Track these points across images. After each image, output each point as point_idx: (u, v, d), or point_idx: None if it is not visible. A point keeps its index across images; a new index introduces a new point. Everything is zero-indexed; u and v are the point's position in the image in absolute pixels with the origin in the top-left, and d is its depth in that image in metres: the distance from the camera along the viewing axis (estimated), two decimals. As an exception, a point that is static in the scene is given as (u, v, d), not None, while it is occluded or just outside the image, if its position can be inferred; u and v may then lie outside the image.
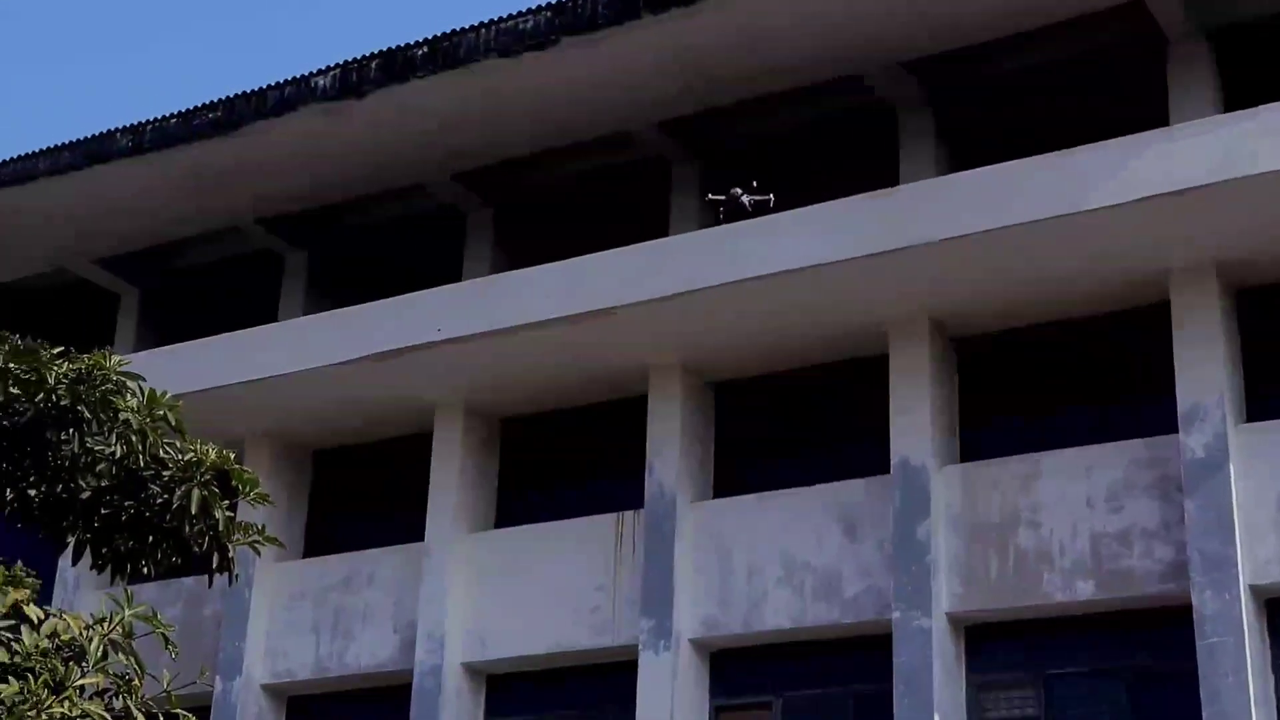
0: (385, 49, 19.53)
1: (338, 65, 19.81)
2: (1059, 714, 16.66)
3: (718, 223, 18.54)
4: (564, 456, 20.28)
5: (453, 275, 20.96)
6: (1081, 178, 15.92)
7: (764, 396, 19.24)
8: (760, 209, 18.29)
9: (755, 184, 18.71)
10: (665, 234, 19.65)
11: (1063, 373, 17.88)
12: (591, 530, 19.00)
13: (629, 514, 18.84)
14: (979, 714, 16.92)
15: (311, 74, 19.97)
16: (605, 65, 18.90)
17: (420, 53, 19.31)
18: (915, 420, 17.51)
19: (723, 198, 18.64)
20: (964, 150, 18.98)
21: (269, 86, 20.25)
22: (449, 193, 21.68)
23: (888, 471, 17.58)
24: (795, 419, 19.10)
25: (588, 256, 18.39)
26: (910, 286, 17.22)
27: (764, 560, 17.98)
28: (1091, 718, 16.55)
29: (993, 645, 17.05)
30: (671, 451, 18.69)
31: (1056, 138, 16.98)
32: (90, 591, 20.31)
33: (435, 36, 19.19)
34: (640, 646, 18.07)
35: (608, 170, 20.80)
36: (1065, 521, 16.69)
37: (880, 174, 18.69)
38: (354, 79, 19.72)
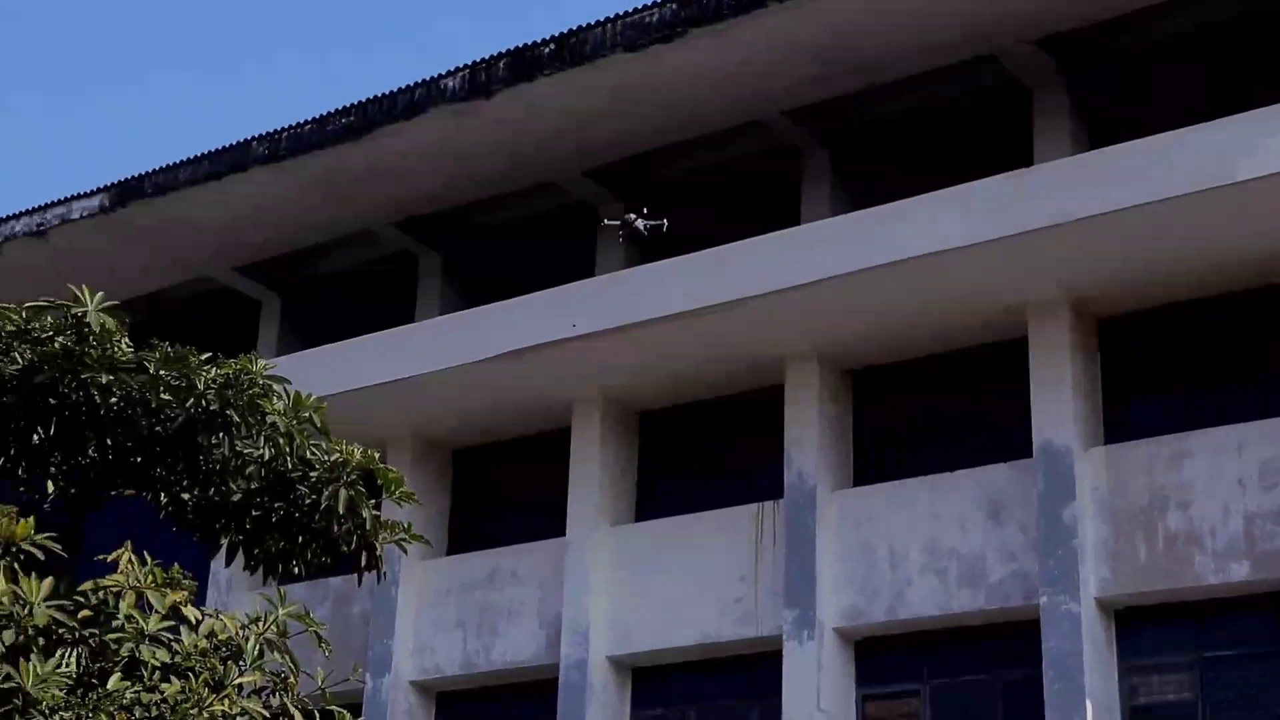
0: (512, 48, 19.64)
1: (466, 66, 19.97)
2: (1215, 697, 16.32)
3: (847, 210, 18.41)
4: (702, 448, 20.28)
5: (585, 271, 21.04)
6: (1224, 150, 15.55)
7: (902, 382, 19.07)
8: (655, 233, 18.76)
9: (645, 210, 19.03)
10: (797, 223, 19.54)
11: (1209, 349, 17.49)
12: (732, 521, 18.97)
13: (769, 504, 18.79)
14: (1132, 699, 16.63)
15: (440, 76, 20.15)
16: (733, 55, 18.83)
17: (547, 50, 19.39)
18: (1057, 402, 17.25)
19: (618, 222, 19.02)
20: (1100, 126, 18.63)
21: (399, 90, 20.47)
22: (580, 189, 21.75)
23: (1030, 455, 17.34)
24: (934, 404, 18.90)
25: (720, 248, 18.36)
26: (1048, 267, 16.96)
27: (907, 547, 17.82)
28: (1249, 700, 16.19)
29: (1144, 629, 16.75)
30: (810, 440, 18.60)
31: (1196, 110, 16.61)
32: (242, 592, 20.68)
33: (561, 34, 19.26)
34: (784, 637, 18.02)
35: (738, 160, 20.73)
36: (1216, 502, 16.33)
37: (1015, 154, 18.42)
38: (482, 79, 19.86)
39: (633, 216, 18.94)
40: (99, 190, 22.93)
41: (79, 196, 23.07)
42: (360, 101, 20.76)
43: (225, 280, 24.46)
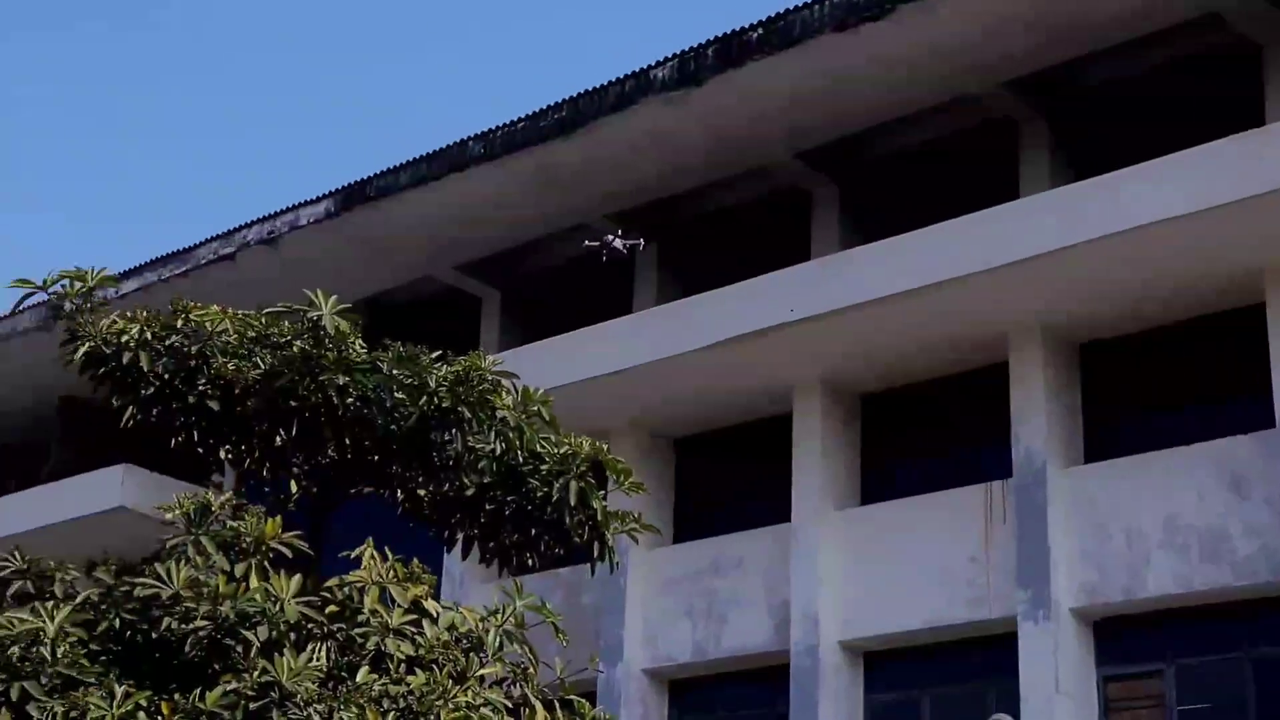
0: (720, 35, 19.61)
1: (674, 55, 20.00)
2: None
3: (1067, 181, 17.95)
4: (927, 428, 20.01)
5: (801, 255, 20.91)
6: None
7: (1132, 354, 18.57)
8: (634, 253, 19.21)
9: (620, 231, 19.38)
10: (1016, 196, 19.13)
11: None
12: (960, 502, 18.69)
13: (997, 483, 18.46)
14: (1394, 677, 15.93)
15: (649, 66, 20.21)
16: (944, 28, 18.50)
17: (755, 35, 19.31)
18: (1301, 369, 16.60)
19: (597, 243, 19.22)
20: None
21: (609, 83, 20.59)
22: (792, 172, 21.63)
23: (1273, 425, 16.72)
24: (1167, 375, 18.36)
25: (938, 225, 18.09)
26: (1284, 230, 16.32)
27: (1144, 524, 17.34)
28: None
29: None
30: (1038, 417, 18.22)
31: None
32: (476, 585, 21.06)
33: (769, 17, 19.15)
34: (1019, 618, 17.68)
35: (953, 135, 20.39)
36: None
37: (1244, 115, 17.75)
38: (692, 68, 19.87)
39: (610, 236, 19.24)
40: (324, 196, 23.56)
41: (306, 203, 23.72)
42: (571, 96, 20.96)
43: (446, 279, 24.89)
